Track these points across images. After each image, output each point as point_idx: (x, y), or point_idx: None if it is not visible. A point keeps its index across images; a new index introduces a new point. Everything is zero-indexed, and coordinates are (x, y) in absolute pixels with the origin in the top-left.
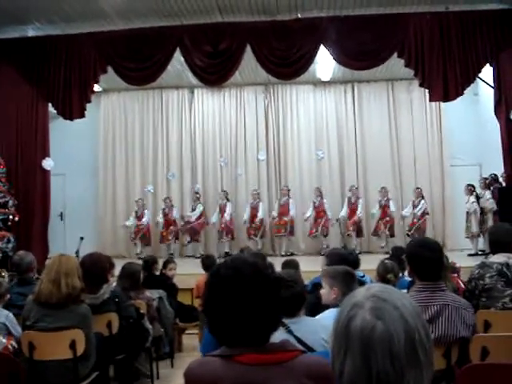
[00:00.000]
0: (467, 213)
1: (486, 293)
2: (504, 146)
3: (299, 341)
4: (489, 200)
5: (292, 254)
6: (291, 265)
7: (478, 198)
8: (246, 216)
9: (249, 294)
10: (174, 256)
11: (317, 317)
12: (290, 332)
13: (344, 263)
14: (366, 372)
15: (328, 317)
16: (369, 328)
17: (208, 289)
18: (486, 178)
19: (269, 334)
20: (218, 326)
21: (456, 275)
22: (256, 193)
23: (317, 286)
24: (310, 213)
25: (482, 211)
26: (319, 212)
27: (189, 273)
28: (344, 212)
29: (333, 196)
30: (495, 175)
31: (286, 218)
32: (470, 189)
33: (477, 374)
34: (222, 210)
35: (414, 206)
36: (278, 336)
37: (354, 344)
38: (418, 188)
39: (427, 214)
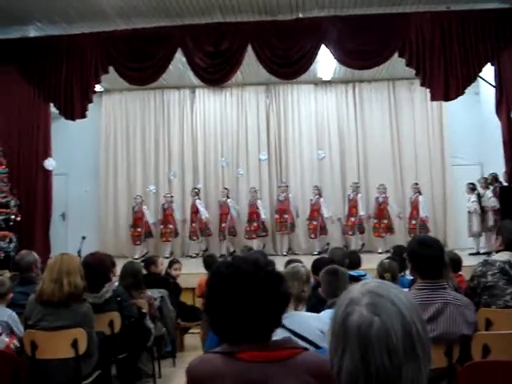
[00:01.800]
0: (468, 212)
1: (487, 291)
2: (505, 145)
3: (294, 333)
4: (490, 199)
5: (293, 254)
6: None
7: (479, 196)
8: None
9: (250, 291)
10: (176, 255)
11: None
12: (283, 326)
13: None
14: (365, 368)
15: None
16: (366, 324)
17: (209, 287)
18: (486, 178)
19: (271, 330)
20: (220, 323)
21: (459, 274)
22: (254, 190)
23: (317, 285)
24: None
25: (483, 210)
26: (313, 212)
27: (191, 272)
28: (345, 210)
29: (334, 196)
30: (495, 174)
31: (286, 216)
32: (471, 187)
33: (478, 371)
34: (224, 208)
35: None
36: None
37: (351, 340)
38: (416, 184)
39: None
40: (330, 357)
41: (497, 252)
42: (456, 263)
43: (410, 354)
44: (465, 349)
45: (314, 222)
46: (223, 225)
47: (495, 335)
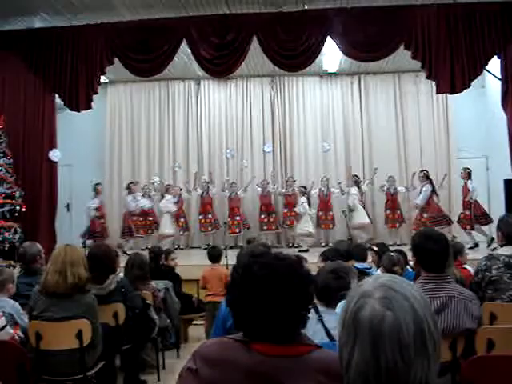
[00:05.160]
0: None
1: (492, 285)
2: (511, 138)
3: (326, 330)
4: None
5: (299, 246)
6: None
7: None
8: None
9: (283, 293)
10: (181, 247)
11: None
12: (320, 321)
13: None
14: (375, 362)
15: None
16: (378, 318)
17: (239, 286)
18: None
19: (296, 332)
20: (245, 321)
21: (464, 267)
22: (267, 182)
23: None
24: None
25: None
26: (327, 202)
27: (195, 264)
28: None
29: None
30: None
31: (295, 209)
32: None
33: (482, 365)
34: (235, 202)
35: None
36: (309, 324)
37: (362, 334)
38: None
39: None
40: (339, 349)
41: (501, 246)
42: (456, 251)
43: (421, 351)
44: (469, 343)
45: (331, 213)
46: (237, 218)
47: (500, 329)
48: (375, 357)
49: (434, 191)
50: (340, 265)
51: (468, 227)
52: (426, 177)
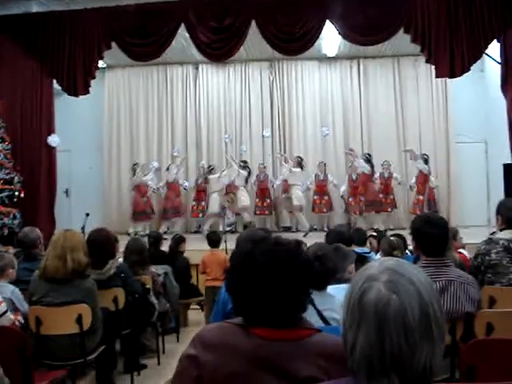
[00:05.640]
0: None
1: (491, 269)
2: (510, 123)
3: (319, 313)
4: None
5: (297, 230)
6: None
7: None
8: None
9: (284, 277)
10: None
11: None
12: (311, 302)
13: (341, 241)
14: (380, 346)
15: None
16: (383, 302)
17: (240, 272)
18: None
19: (296, 315)
20: (246, 307)
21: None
22: (263, 167)
23: None
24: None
25: None
26: (322, 187)
27: (194, 249)
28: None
29: (338, 172)
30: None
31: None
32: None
33: (481, 349)
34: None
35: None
36: None
37: (367, 317)
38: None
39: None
40: (343, 333)
41: (501, 230)
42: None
43: (426, 335)
44: (468, 326)
45: (326, 197)
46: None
47: (499, 313)
48: (380, 340)
49: (372, 174)
50: (323, 250)
51: (418, 212)
52: (367, 160)
